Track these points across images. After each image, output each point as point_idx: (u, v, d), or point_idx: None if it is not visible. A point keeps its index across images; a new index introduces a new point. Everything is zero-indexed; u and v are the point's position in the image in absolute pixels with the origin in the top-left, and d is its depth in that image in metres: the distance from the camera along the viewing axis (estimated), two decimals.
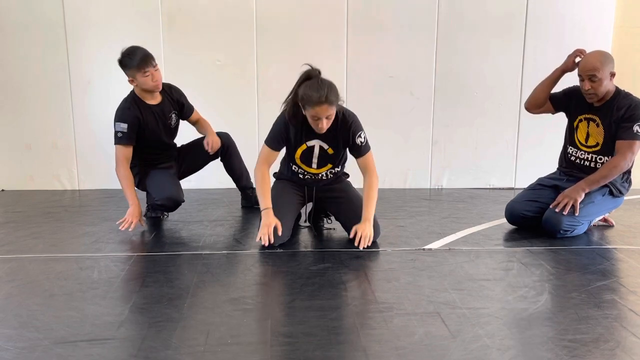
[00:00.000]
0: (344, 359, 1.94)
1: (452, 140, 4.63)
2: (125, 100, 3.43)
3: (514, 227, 3.48)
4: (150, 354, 1.94)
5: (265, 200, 3.02)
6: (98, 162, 4.50)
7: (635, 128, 3.16)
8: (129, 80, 3.35)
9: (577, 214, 3.18)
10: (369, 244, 3.00)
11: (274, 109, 3.51)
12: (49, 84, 4.37)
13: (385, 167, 4.57)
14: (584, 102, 3.32)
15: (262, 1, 4.35)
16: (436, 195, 4.49)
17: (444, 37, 4.46)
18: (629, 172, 3.34)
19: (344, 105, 3.07)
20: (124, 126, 3.34)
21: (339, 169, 3.24)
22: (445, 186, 4.70)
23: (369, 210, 3.02)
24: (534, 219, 3.36)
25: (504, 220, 3.53)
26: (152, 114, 3.45)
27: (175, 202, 3.49)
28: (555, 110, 3.46)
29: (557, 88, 3.44)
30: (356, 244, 2.96)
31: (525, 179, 3.66)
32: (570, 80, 3.37)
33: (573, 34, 4.44)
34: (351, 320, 2.22)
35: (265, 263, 2.85)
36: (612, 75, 3.18)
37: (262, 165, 3.09)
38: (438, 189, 4.68)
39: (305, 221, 3.45)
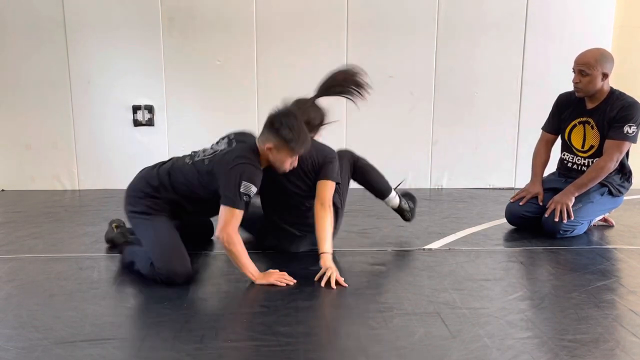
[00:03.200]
0: (344, 359, 1.94)
1: (452, 140, 4.63)
2: (252, 159, 2.61)
3: (514, 227, 3.48)
4: (150, 354, 1.94)
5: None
6: (98, 162, 4.51)
7: (626, 129, 3.15)
8: (267, 147, 2.59)
9: (572, 218, 3.18)
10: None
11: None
12: (49, 83, 4.37)
13: (385, 167, 4.57)
14: (578, 107, 3.31)
15: (262, 1, 4.34)
16: (436, 195, 4.49)
17: (444, 37, 4.45)
18: (629, 172, 3.34)
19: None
20: (253, 190, 2.58)
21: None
22: (445, 186, 4.69)
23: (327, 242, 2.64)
24: (533, 219, 3.35)
25: (504, 220, 3.53)
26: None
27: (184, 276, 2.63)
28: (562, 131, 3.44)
29: (553, 96, 3.43)
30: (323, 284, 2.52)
31: (525, 179, 3.65)
32: (568, 80, 3.37)
33: (573, 34, 4.44)
34: (351, 320, 2.22)
35: (265, 263, 2.85)
36: (605, 75, 3.15)
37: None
38: (438, 189, 4.68)
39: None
